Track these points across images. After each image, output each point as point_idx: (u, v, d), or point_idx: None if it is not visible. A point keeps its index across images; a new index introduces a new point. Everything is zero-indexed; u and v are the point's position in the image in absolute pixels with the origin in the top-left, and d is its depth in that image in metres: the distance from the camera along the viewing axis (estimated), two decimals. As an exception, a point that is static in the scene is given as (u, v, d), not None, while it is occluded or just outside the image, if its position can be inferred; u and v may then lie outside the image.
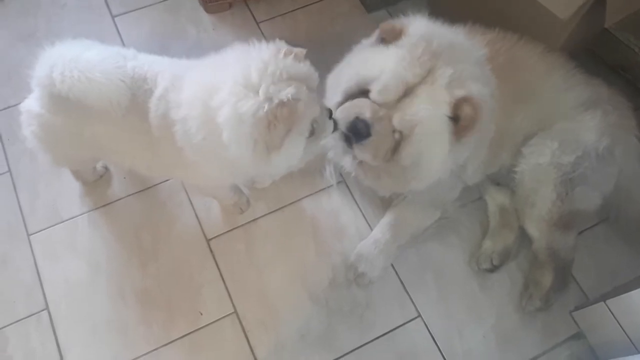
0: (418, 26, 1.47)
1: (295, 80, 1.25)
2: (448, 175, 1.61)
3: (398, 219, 1.83)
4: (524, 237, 1.83)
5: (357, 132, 1.45)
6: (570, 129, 1.68)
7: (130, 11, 2.29)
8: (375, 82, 1.43)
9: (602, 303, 1.60)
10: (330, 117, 1.42)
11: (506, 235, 1.84)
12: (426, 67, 1.39)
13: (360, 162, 1.61)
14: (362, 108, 1.44)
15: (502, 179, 1.86)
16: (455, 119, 1.41)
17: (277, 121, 1.22)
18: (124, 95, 1.38)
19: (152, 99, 1.40)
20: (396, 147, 1.47)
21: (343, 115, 1.48)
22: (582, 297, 1.81)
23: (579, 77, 1.74)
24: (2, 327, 1.68)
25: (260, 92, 1.22)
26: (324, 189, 1.96)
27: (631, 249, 1.88)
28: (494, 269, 1.81)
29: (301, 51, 1.31)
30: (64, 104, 1.37)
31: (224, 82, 1.25)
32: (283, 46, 1.30)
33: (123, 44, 2.20)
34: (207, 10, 2.28)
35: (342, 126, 1.47)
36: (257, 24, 2.27)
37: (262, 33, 2.25)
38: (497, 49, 1.66)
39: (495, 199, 1.91)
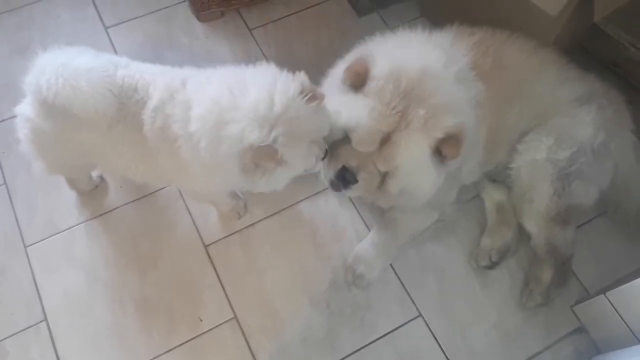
0: (381, 65, 1.46)
1: (302, 135, 1.30)
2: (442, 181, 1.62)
3: (396, 220, 1.83)
4: (522, 234, 1.83)
5: (344, 179, 1.50)
6: (565, 124, 1.69)
7: (123, 22, 2.30)
8: (353, 134, 1.45)
9: (603, 296, 1.60)
10: (324, 157, 1.47)
11: (504, 232, 1.84)
12: (398, 111, 1.41)
13: None
14: (347, 157, 1.49)
15: (499, 176, 1.86)
16: (439, 152, 1.45)
17: (264, 159, 1.29)
18: (111, 105, 1.36)
19: (146, 111, 1.39)
20: (383, 180, 1.52)
21: (331, 163, 1.53)
22: (583, 292, 1.81)
23: (573, 72, 1.76)
24: (1, 340, 1.67)
25: (273, 132, 1.26)
26: (320, 191, 1.96)
27: (631, 243, 1.87)
28: (492, 265, 1.81)
29: (321, 93, 1.34)
30: (52, 110, 1.36)
31: (242, 107, 1.27)
32: (306, 83, 1.32)
33: (117, 55, 2.21)
34: (200, 18, 2.29)
35: (331, 174, 1.53)
36: (250, 30, 2.28)
37: (255, 40, 2.26)
38: (486, 48, 1.66)
39: (492, 196, 1.91)
